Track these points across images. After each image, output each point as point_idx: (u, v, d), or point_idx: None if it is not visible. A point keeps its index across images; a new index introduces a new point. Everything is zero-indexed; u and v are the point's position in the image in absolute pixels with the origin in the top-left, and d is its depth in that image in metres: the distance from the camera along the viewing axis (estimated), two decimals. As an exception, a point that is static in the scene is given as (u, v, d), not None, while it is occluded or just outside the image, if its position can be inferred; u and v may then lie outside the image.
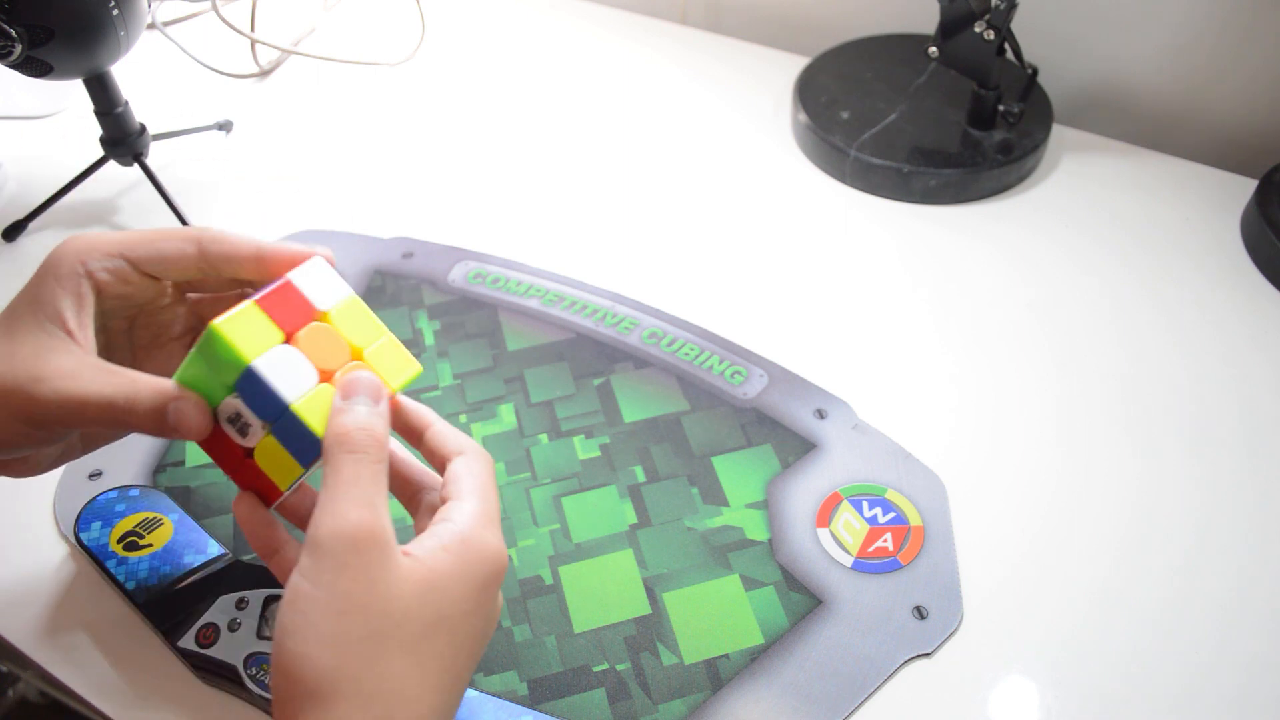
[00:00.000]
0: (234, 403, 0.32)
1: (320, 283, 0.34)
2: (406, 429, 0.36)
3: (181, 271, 0.36)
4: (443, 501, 0.33)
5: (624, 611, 0.42)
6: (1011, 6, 0.56)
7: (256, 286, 0.35)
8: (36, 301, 0.34)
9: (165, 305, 0.38)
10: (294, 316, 0.33)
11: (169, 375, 0.35)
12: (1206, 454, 0.47)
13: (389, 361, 0.34)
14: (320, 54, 0.74)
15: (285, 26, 0.79)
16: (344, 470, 0.30)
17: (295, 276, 0.33)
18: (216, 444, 0.33)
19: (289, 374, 0.31)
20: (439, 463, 0.35)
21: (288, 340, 0.32)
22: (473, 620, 0.31)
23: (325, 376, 0.32)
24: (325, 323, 0.33)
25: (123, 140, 0.59)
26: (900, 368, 0.52)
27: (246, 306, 0.32)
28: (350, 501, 0.29)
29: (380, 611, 0.29)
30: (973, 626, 0.41)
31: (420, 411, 0.36)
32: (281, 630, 0.29)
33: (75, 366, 0.33)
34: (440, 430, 0.35)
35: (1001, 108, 0.61)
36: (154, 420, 0.32)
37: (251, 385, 0.31)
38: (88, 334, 0.34)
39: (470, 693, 0.39)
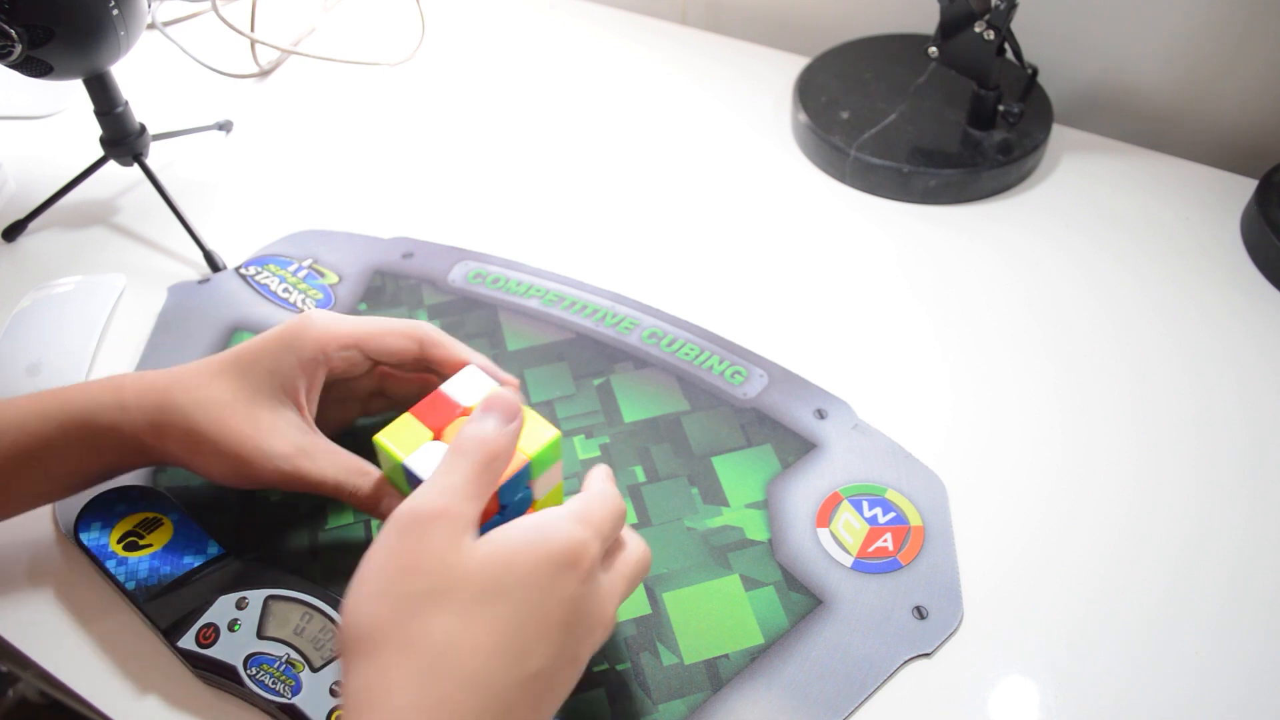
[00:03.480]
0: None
1: (467, 385, 0.40)
2: None
3: (400, 364, 0.43)
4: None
5: (624, 611, 0.42)
6: (1011, 6, 0.56)
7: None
8: (277, 374, 0.40)
9: (362, 375, 0.44)
10: (442, 417, 0.38)
11: (341, 421, 0.45)
12: (1206, 453, 0.47)
13: (526, 431, 0.37)
14: (320, 54, 0.74)
15: (285, 26, 0.79)
16: (445, 465, 0.33)
17: (446, 385, 0.39)
18: None
19: (435, 462, 0.36)
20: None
21: (436, 437, 0.38)
22: (541, 597, 0.31)
23: None
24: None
25: (123, 140, 0.59)
26: (900, 368, 0.52)
27: (403, 417, 0.38)
28: (434, 488, 0.32)
29: (434, 571, 0.30)
30: (973, 626, 0.41)
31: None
32: (349, 586, 0.31)
33: (308, 446, 0.39)
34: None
35: (1001, 108, 0.61)
36: (370, 504, 0.39)
37: (410, 477, 0.37)
38: (313, 409, 0.41)
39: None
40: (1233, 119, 0.64)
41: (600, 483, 0.36)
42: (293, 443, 0.39)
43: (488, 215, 0.62)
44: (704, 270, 0.58)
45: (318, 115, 0.71)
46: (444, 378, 0.41)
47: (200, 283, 0.57)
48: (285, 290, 0.56)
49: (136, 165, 0.60)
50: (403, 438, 0.38)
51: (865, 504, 0.45)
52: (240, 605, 0.40)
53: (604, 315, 0.54)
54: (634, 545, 0.36)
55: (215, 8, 0.70)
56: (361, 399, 0.46)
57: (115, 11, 0.51)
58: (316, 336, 0.41)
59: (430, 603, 0.30)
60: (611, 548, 0.35)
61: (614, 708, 0.39)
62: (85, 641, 0.41)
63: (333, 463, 0.39)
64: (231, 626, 0.39)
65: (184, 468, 0.40)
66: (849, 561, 0.43)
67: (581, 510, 0.34)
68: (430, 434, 0.38)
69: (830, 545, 0.43)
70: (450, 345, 0.43)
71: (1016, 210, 0.61)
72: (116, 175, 0.64)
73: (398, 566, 0.30)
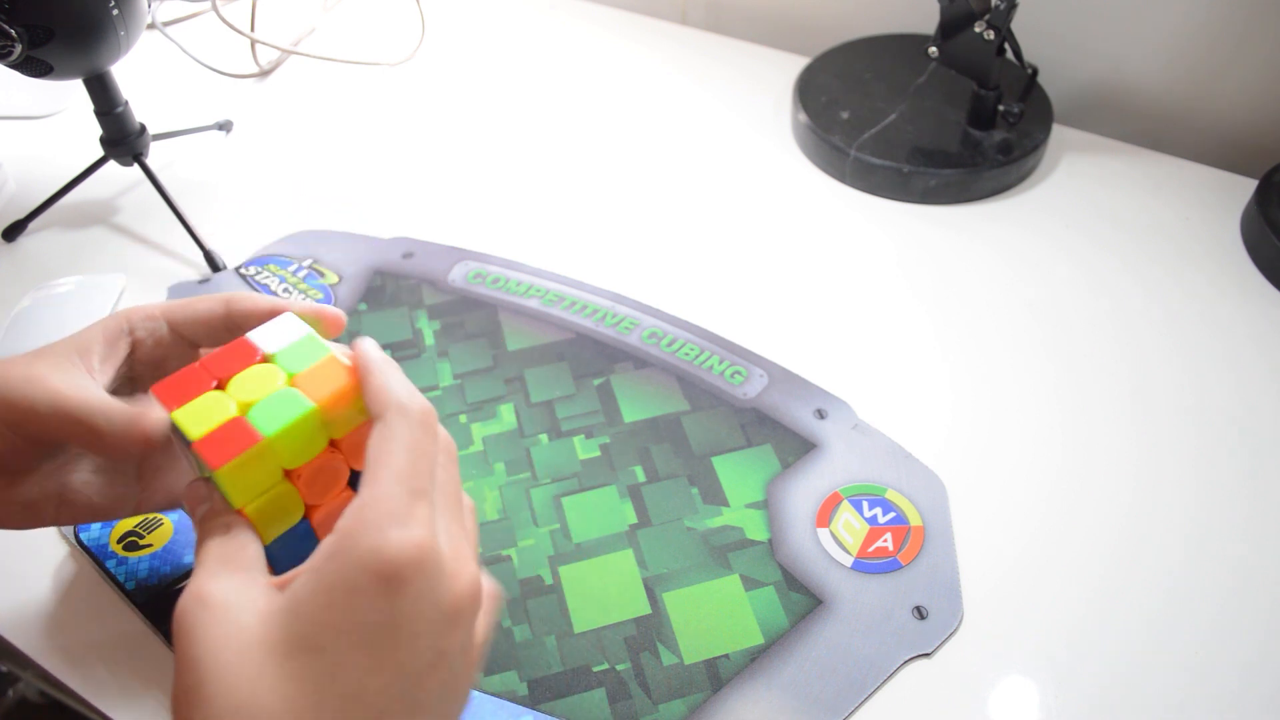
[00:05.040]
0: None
1: (276, 331, 0.34)
2: None
3: (212, 332, 0.37)
4: None
5: (624, 611, 0.42)
6: (1011, 6, 0.56)
7: None
8: (73, 340, 0.36)
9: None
10: (231, 365, 0.32)
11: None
12: (1206, 454, 0.47)
13: (322, 379, 0.32)
14: (320, 54, 0.74)
15: (285, 26, 0.79)
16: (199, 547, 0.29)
17: (252, 332, 0.34)
18: None
19: (204, 416, 0.31)
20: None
21: (220, 386, 0.32)
22: (349, 632, 0.26)
23: (246, 410, 0.31)
24: (266, 364, 0.32)
25: (123, 140, 0.59)
26: (900, 368, 0.52)
27: (189, 366, 0.32)
28: (197, 575, 0.28)
29: (212, 660, 0.26)
30: (973, 626, 0.41)
31: (365, 363, 0.31)
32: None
33: (78, 384, 0.34)
34: (370, 382, 0.31)
35: (1001, 108, 0.61)
36: (125, 426, 0.33)
37: (180, 435, 0.31)
38: (105, 377, 0.35)
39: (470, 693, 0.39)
40: (1233, 119, 0.64)
41: (398, 434, 0.29)
42: (60, 380, 0.33)
43: (488, 215, 0.62)
44: (704, 270, 0.58)
45: (318, 115, 0.71)
46: None
47: (200, 283, 0.57)
48: (285, 290, 0.56)
49: (136, 165, 0.60)
50: (179, 389, 0.31)
51: (865, 504, 0.45)
52: (240, 605, 0.40)
53: (604, 315, 0.54)
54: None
55: (215, 8, 0.70)
56: None
57: (115, 11, 0.51)
58: (125, 311, 0.37)
59: (219, 685, 0.26)
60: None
61: (614, 708, 0.39)
62: (85, 641, 0.41)
63: (99, 398, 0.33)
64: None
65: None
66: (849, 561, 0.43)
67: (388, 500, 0.27)
68: (213, 384, 0.32)
69: (830, 545, 0.44)
70: (257, 297, 0.37)
71: (1016, 210, 0.61)
72: (116, 175, 0.64)
73: (182, 684, 0.26)
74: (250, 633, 0.26)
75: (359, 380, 0.31)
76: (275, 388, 0.31)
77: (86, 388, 0.33)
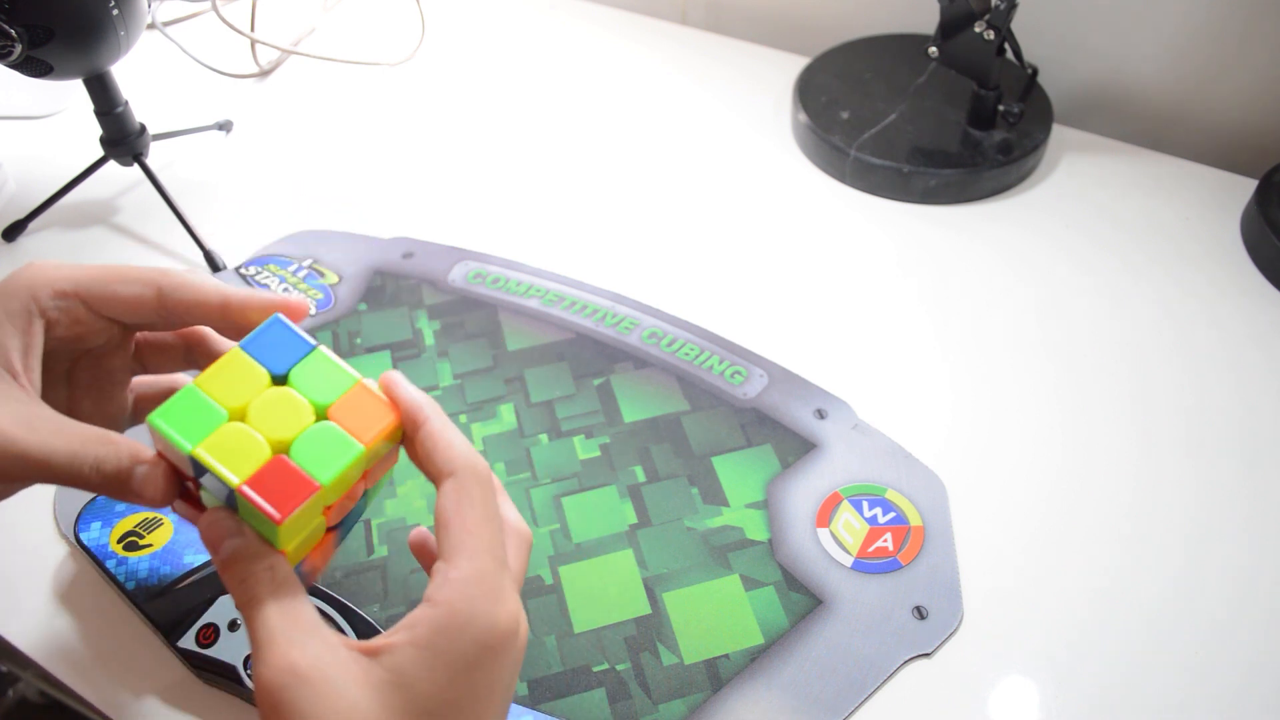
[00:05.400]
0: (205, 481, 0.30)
1: (277, 343, 0.30)
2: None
3: (138, 317, 0.33)
4: (434, 559, 0.29)
5: (624, 611, 0.42)
6: (1011, 6, 0.56)
7: (221, 331, 0.33)
8: None
9: (112, 347, 0.35)
10: (245, 387, 0.29)
11: (106, 420, 0.34)
12: (1206, 454, 0.47)
13: (360, 413, 0.30)
14: (320, 54, 0.74)
15: (285, 26, 0.79)
16: (252, 625, 0.28)
17: (246, 344, 0.30)
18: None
19: (236, 453, 0.28)
20: (433, 475, 0.30)
21: (236, 419, 0.29)
22: (468, 703, 0.27)
23: (282, 446, 0.29)
24: (283, 387, 0.30)
25: (123, 140, 0.59)
26: (900, 368, 0.52)
27: (185, 389, 0.29)
28: (265, 653, 0.27)
29: None
30: (973, 626, 0.41)
31: (414, 409, 0.30)
32: None
33: (28, 418, 0.30)
34: (431, 433, 0.30)
35: (1001, 108, 0.61)
36: (119, 482, 0.30)
37: (200, 469, 0.28)
38: (34, 376, 0.32)
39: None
40: (1233, 119, 0.64)
41: (475, 498, 0.29)
42: (8, 417, 0.30)
43: (488, 215, 0.62)
44: (704, 270, 0.58)
45: (318, 115, 0.71)
46: (207, 352, 0.35)
47: (200, 283, 0.57)
48: (285, 290, 0.56)
49: (136, 165, 0.60)
50: (188, 418, 0.28)
51: (865, 504, 0.45)
52: (240, 605, 0.40)
53: (604, 315, 0.54)
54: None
55: (215, 8, 0.70)
56: (121, 384, 0.36)
57: (115, 11, 0.51)
58: (28, 282, 0.32)
59: None
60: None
61: (614, 708, 0.39)
62: (85, 641, 0.41)
63: (60, 433, 0.30)
64: (231, 626, 0.39)
65: None
66: (849, 561, 0.43)
67: (486, 569, 0.28)
68: (225, 413, 0.29)
69: (830, 545, 0.44)
70: (197, 285, 0.32)
71: (1016, 210, 0.61)
72: (116, 175, 0.64)
73: None
74: (363, 710, 0.26)
75: (401, 421, 0.30)
76: (306, 420, 0.29)
77: (54, 434, 0.30)
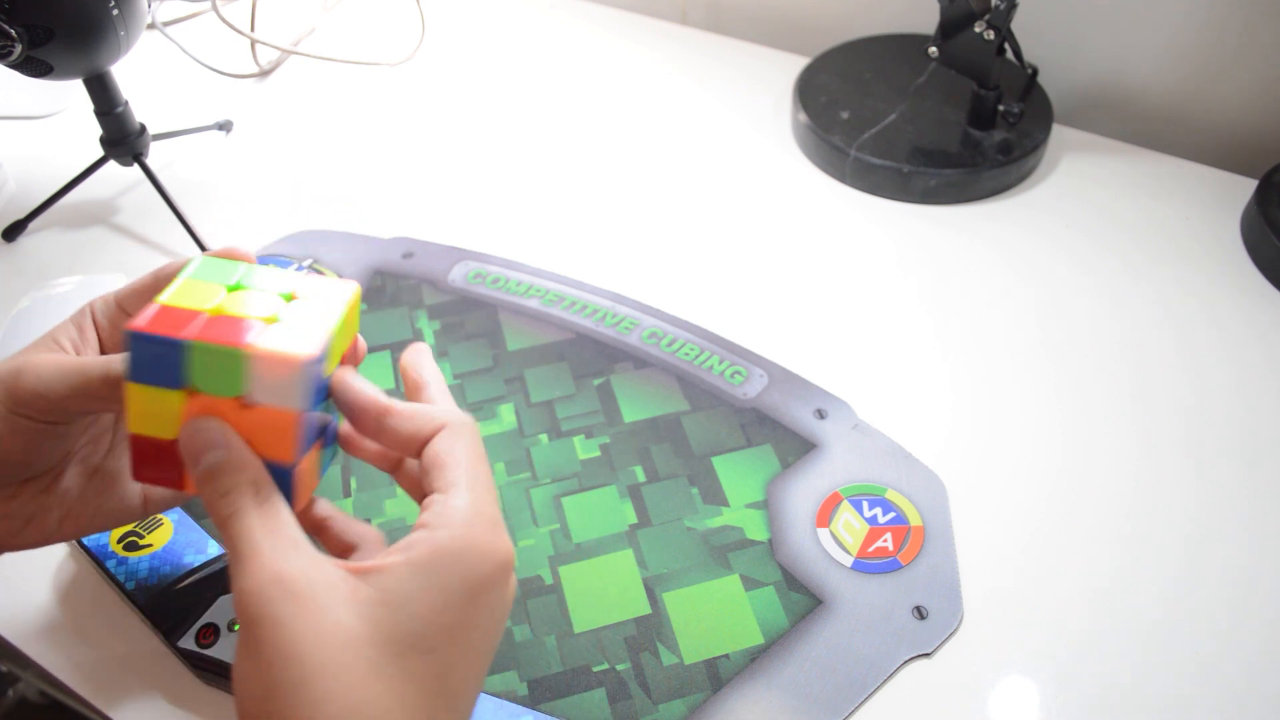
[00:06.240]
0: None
1: (217, 267, 0.32)
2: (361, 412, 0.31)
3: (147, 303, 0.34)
4: (427, 493, 0.29)
5: (624, 611, 0.42)
6: (1011, 6, 0.56)
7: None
8: (48, 334, 0.34)
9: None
10: (209, 292, 0.31)
11: (119, 513, 0.36)
12: (1206, 453, 0.47)
13: (322, 293, 0.31)
14: (320, 54, 0.74)
15: (285, 26, 0.79)
16: (234, 537, 0.27)
17: (194, 274, 0.32)
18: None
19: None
20: (427, 431, 0.30)
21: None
22: (461, 634, 0.27)
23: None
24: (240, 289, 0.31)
25: (123, 140, 0.59)
26: (900, 368, 0.52)
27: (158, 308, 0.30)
28: (247, 565, 0.26)
29: (317, 655, 0.25)
30: (973, 626, 0.41)
31: (425, 372, 0.32)
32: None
33: (59, 357, 0.32)
34: (435, 392, 0.32)
35: (1001, 108, 0.61)
36: (110, 378, 0.31)
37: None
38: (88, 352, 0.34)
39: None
40: (1233, 119, 0.64)
41: (468, 443, 0.30)
42: (43, 359, 0.32)
43: (488, 215, 0.62)
44: (704, 270, 0.58)
45: (318, 115, 0.71)
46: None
47: (200, 283, 0.57)
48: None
49: (136, 165, 0.60)
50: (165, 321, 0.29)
51: (865, 504, 0.45)
52: (240, 605, 0.40)
53: (604, 315, 0.54)
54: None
55: (215, 8, 0.70)
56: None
57: (115, 11, 0.51)
58: (90, 301, 0.35)
59: (328, 683, 0.25)
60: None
61: (614, 708, 0.39)
62: (85, 641, 0.41)
63: (78, 361, 0.32)
64: (231, 626, 0.39)
65: None
66: (849, 561, 0.43)
67: (482, 502, 0.28)
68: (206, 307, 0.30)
69: (830, 545, 0.44)
70: (181, 262, 0.33)
71: (1016, 210, 0.61)
72: (116, 175, 0.64)
73: (263, 682, 0.25)
74: (353, 629, 0.26)
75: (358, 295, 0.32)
76: (277, 303, 0.30)
77: (73, 357, 0.33)
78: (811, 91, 0.66)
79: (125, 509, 0.36)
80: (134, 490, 0.36)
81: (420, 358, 0.33)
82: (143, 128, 0.60)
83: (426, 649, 0.26)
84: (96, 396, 0.31)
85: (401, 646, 0.26)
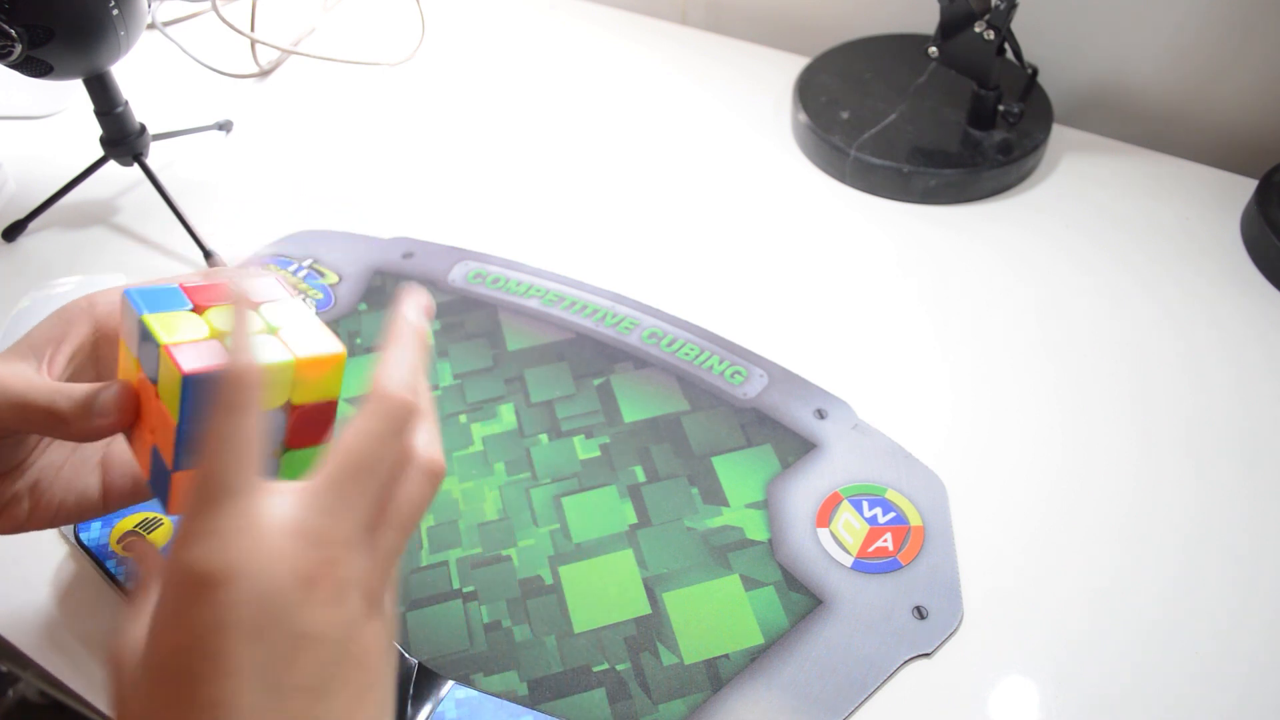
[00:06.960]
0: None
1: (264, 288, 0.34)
2: None
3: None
4: None
5: (624, 611, 0.42)
6: (1011, 6, 0.56)
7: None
8: (25, 337, 0.35)
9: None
10: (215, 297, 0.34)
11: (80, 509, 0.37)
12: (1207, 453, 0.47)
13: (309, 338, 0.32)
14: (320, 54, 0.74)
15: (285, 26, 0.79)
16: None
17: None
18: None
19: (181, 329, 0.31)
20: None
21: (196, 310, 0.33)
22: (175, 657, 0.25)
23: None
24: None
25: (123, 140, 0.59)
26: (900, 368, 0.52)
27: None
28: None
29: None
30: (973, 626, 0.41)
31: (393, 334, 0.31)
32: None
33: (28, 375, 0.33)
34: (384, 358, 0.30)
35: (1001, 108, 0.61)
36: (85, 409, 0.32)
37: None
38: (59, 366, 0.35)
39: (470, 693, 0.39)
40: (1233, 119, 0.64)
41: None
42: (11, 374, 0.33)
43: (488, 215, 0.62)
44: (704, 270, 0.58)
45: (318, 115, 0.71)
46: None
47: (200, 283, 0.57)
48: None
49: (136, 165, 0.60)
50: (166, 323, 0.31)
51: (865, 504, 0.45)
52: (240, 605, 0.40)
53: (604, 315, 0.54)
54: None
55: (215, 8, 0.70)
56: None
57: (115, 11, 0.51)
58: (90, 294, 0.36)
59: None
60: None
61: (614, 708, 0.39)
62: (85, 641, 0.41)
63: (46, 383, 0.33)
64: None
65: None
66: (849, 561, 0.43)
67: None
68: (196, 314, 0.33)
69: (830, 545, 0.44)
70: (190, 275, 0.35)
71: (1016, 210, 0.61)
72: (116, 175, 0.64)
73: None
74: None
75: (342, 361, 0.32)
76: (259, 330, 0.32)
77: (34, 378, 0.33)
78: (811, 91, 0.66)
79: (88, 504, 0.37)
80: (93, 484, 0.37)
81: (408, 310, 0.32)
82: (143, 128, 0.60)
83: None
84: (38, 424, 0.33)
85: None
